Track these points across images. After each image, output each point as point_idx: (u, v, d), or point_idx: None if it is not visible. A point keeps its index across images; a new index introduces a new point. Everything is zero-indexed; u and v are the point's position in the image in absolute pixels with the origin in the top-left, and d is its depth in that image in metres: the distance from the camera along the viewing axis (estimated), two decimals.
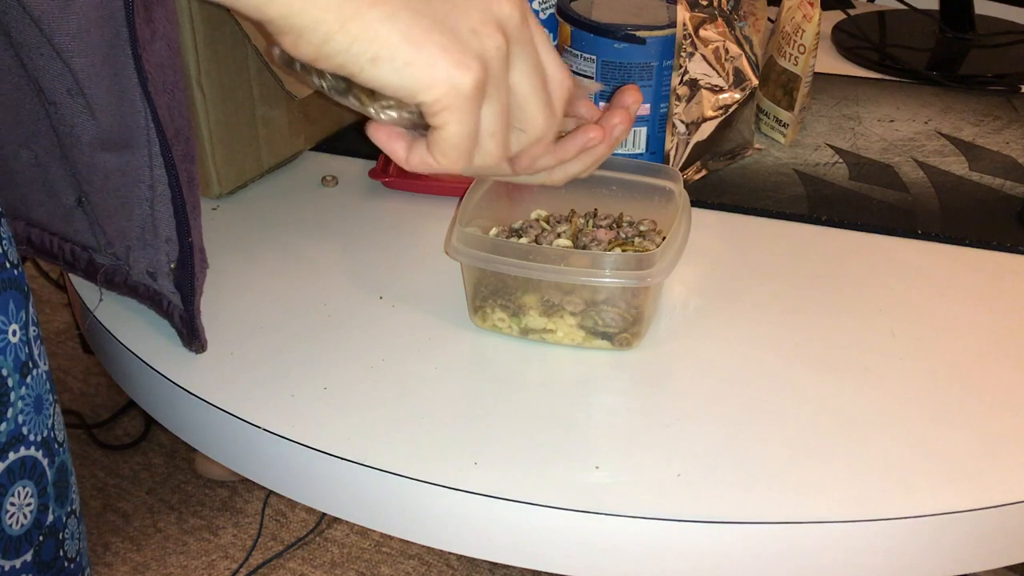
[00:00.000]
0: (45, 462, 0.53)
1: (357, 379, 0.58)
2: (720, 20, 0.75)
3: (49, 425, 0.53)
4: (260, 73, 0.76)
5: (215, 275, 0.68)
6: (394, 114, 0.46)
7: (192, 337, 0.60)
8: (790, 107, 0.83)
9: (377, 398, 0.57)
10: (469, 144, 0.45)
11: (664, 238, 0.62)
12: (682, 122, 0.75)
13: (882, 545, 0.50)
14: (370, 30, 0.41)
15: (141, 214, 0.58)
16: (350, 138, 0.86)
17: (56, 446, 0.54)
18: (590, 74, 0.75)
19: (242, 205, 0.77)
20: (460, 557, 1.56)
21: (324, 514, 1.63)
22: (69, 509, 0.56)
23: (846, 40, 1.07)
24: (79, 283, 0.67)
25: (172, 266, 0.59)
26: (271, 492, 1.67)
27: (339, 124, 0.87)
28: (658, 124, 0.77)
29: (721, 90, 0.76)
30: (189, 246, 0.58)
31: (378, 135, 0.47)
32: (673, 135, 0.76)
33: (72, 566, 0.56)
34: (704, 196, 0.76)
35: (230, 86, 0.74)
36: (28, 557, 0.52)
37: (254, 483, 0.61)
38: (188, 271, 0.58)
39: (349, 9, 0.41)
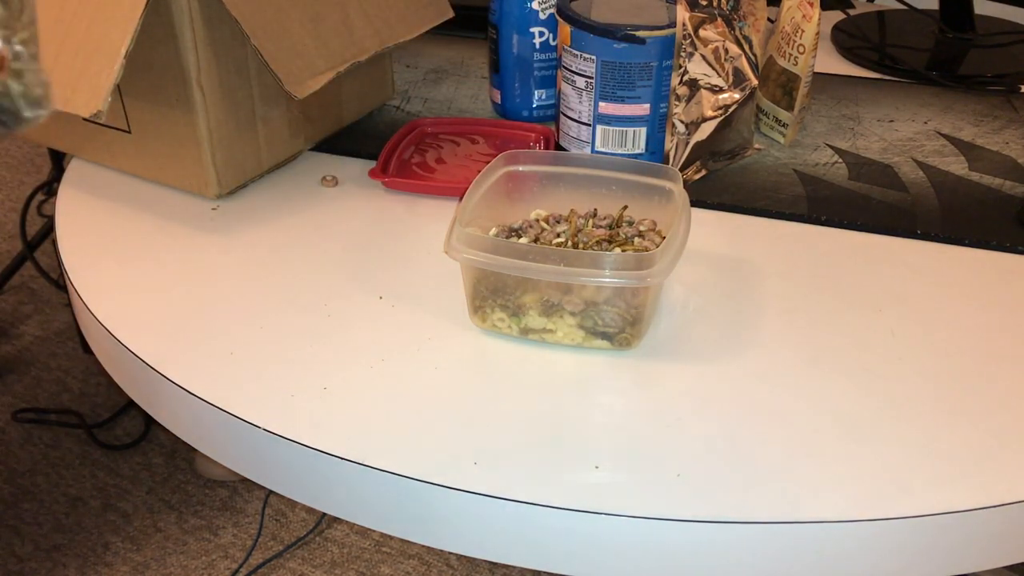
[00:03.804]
0: None
1: (357, 379, 0.58)
2: (720, 20, 0.75)
3: None
4: (260, 73, 0.76)
5: (215, 275, 0.68)
6: None
7: None
8: (790, 107, 0.83)
9: (377, 398, 0.57)
10: None
11: (664, 238, 0.62)
12: (682, 122, 0.75)
13: (882, 545, 0.50)
14: None
15: None
16: (350, 138, 0.86)
17: None
18: (590, 75, 0.75)
19: (242, 205, 0.77)
20: (460, 557, 1.56)
21: (324, 514, 1.63)
22: None
23: (846, 40, 1.07)
24: (79, 283, 0.67)
25: None
26: (271, 492, 1.67)
27: (339, 124, 0.87)
28: (658, 124, 0.77)
29: (721, 90, 0.76)
30: None
31: None
32: (673, 135, 0.76)
33: None
34: (704, 196, 0.76)
35: (230, 86, 0.74)
36: None
37: (254, 483, 0.61)
38: None
39: None
